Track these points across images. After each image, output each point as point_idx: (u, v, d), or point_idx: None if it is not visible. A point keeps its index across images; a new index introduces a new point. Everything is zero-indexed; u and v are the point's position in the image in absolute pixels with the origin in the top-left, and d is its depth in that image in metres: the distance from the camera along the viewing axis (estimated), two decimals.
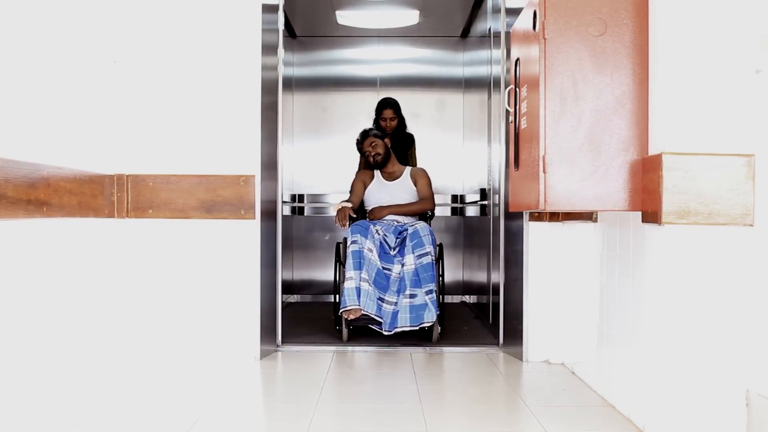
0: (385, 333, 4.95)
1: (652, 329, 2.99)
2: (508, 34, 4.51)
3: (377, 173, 5.87)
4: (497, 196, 5.27)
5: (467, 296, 7.52)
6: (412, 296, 5.03)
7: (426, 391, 3.73)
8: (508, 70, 4.31)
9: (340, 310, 4.98)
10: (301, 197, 7.58)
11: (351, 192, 5.79)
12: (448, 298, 7.53)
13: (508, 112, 3.83)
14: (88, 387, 3.82)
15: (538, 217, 4.42)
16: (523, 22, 3.49)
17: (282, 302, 4.98)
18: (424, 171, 5.88)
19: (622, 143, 3.06)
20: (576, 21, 3.07)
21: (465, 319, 6.30)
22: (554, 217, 4.36)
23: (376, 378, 4.10)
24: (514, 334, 4.63)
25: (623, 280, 3.36)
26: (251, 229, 4.46)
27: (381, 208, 5.64)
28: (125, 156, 4.44)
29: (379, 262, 5.15)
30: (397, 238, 5.34)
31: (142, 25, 4.46)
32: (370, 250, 5.12)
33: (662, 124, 2.94)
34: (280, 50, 4.91)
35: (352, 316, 4.94)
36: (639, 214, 3.10)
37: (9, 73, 3.32)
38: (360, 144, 5.85)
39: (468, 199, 7.23)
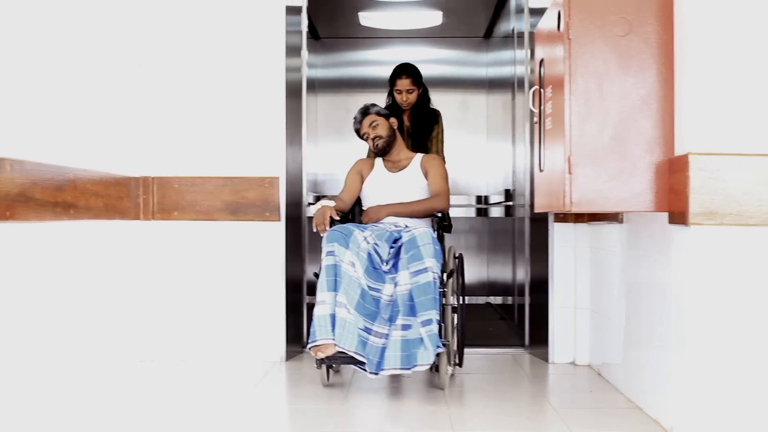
0: (370, 376, 3.57)
1: (679, 331, 2.97)
2: (531, 34, 4.49)
3: (379, 162, 4.56)
4: (522, 197, 5.25)
5: (492, 297, 7.49)
6: (405, 327, 3.65)
7: (451, 393, 3.72)
8: (532, 71, 4.30)
9: (308, 346, 3.66)
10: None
11: (344, 187, 4.55)
12: (473, 299, 7.52)
13: (532, 112, 3.81)
14: (115, 388, 3.84)
15: (563, 218, 4.40)
16: (547, 23, 3.47)
17: (307, 304, 4.99)
18: (438, 159, 4.53)
19: (647, 144, 3.04)
20: (601, 21, 3.06)
21: (490, 320, 6.29)
22: (579, 218, 4.34)
23: (402, 379, 4.10)
24: (540, 336, 4.62)
25: (650, 281, 3.33)
26: (276, 230, 4.47)
27: (379, 207, 4.31)
28: (151, 158, 4.47)
29: (364, 281, 3.74)
30: (391, 248, 3.93)
31: (166, 28, 4.48)
32: (352, 265, 3.74)
33: (689, 124, 2.91)
34: (304, 52, 4.92)
35: (322, 354, 3.61)
36: (665, 215, 3.07)
37: (36, 78, 3.35)
38: (358, 123, 4.51)
39: (492, 200, 7.21)
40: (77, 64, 3.73)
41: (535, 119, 3.68)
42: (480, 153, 7.69)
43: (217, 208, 4.45)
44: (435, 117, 5.06)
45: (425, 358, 3.54)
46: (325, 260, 3.78)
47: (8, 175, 3.02)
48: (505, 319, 6.27)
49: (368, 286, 3.75)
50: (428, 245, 3.75)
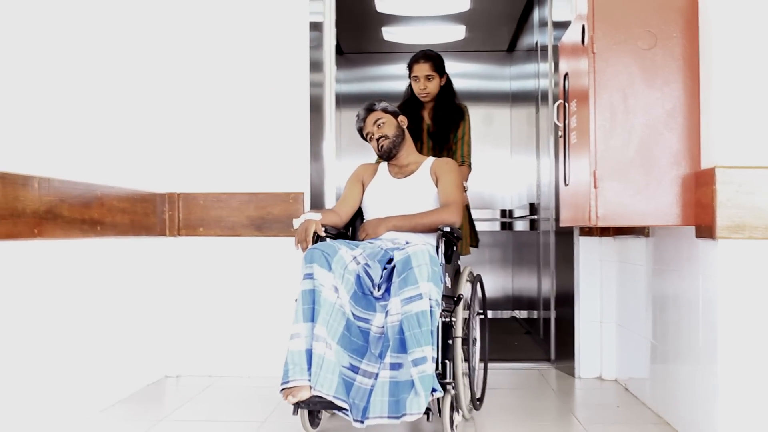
0: (356, 425, 2.85)
1: (708, 345, 2.94)
2: (555, 47, 4.49)
3: (383, 167, 3.89)
4: (547, 210, 5.23)
5: (517, 311, 7.47)
6: (394, 366, 2.91)
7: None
8: (556, 84, 4.29)
9: (280, 387, 2.94)
10: None
11: (341, 197, 3.87)
12: (498, 314, 7.50)
13: (557, 126, 3.80)
14: (142, 403, 3.85)
15: (588, 231, 4.38)
16: (571, 36, 3.47)
17: None
18: (452, 163, 3.77)
19: (673, 157, 3.02)
20: (625, 35, 3.05)
21: (515, 335, 6.26)
22: (605, 231, 4.32)
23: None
24: (566, 350, 4.59)
25: (677, 295, 3.30)
26: None
27: (378, 220, 3.57)
28: (176, 175, 4.50)
29: (349, 308, 3.05)
30: (384, 269, 3.19)
31: (191, 45, 4.52)
32: (335, 290, 3.04)
33: (715, 138, 2.89)
34: (329, 67, 4.93)
35: (293, 399, 2.89)
36: (692, 228, 3.05)
37: (62, 96, 3.39)
38: (361, 121, 3.82)
39: (517, 214, 7.19)
40: (103, 81, 3.77)
41: (560, 133, 3.67)
42: (504, 166, 7.68)
43: (242, 223, 4.47)
44: (461, 113, 4.39)
45: (415, 405, 2.80)
46: (302, 285, 3.07)
47: (36, 192, 3.06)
48: (531, 333, 6.24)
49: (354, 315, 3.06)
50: (424, 266, 2.97)
